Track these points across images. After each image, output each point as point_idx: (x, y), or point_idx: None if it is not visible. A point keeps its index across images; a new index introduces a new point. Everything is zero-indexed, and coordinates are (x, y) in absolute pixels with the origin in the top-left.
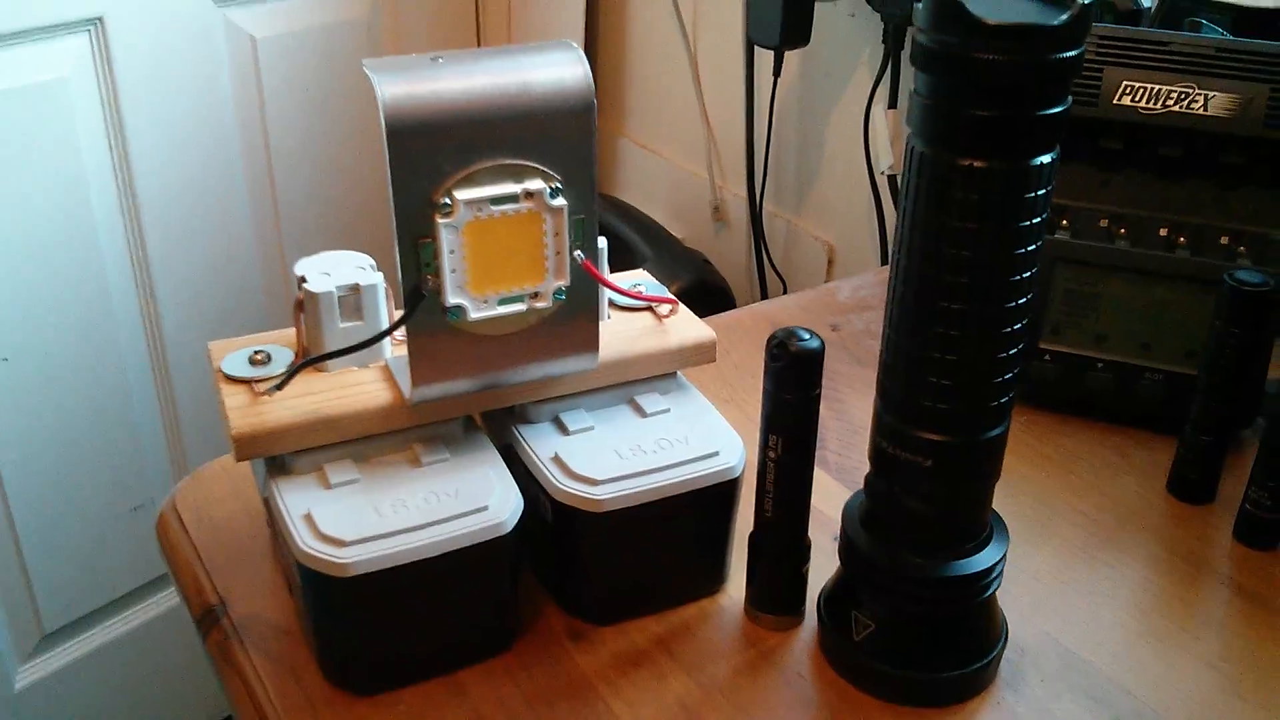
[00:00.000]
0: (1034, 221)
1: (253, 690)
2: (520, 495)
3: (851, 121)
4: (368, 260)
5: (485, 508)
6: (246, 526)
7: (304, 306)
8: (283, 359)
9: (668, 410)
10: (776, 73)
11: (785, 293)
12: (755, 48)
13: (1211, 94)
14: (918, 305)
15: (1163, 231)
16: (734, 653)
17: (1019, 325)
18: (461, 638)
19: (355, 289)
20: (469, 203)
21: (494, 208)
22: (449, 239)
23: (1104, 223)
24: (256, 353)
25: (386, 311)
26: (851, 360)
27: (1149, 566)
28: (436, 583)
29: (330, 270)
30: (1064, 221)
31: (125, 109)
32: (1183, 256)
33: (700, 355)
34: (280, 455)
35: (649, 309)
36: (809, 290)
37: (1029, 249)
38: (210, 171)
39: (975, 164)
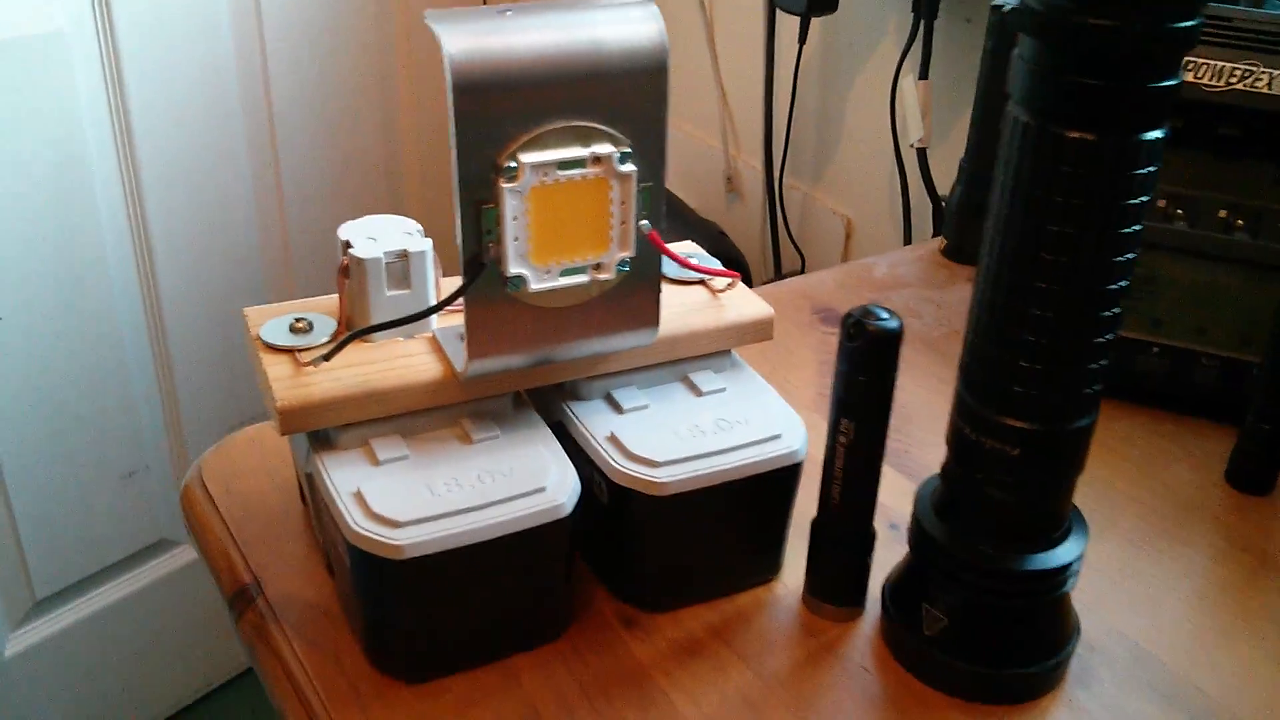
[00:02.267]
0: (1140, 201)
1: (293, 675)
2: (577, 476)
3: (875, 92)
4: (414, 225)
5: (543, 488)
6: (278, 501)
7: (349, 273)
8: (324, 328)
9: (723, 389)
10: (802, 40)
11: (803, 267)
12: (776, 14)
13: (1276, 72)
14: (1011, 285)
15: (1221, 213)
16: (794, 644)
17: (1117, 309)
18: (514, 623)
19: (404, 256)
20: (535, 166)
21: (560, 173)
22: (513, 205)
23: (1161, 203)
24: (298, 320)
25: (434, 280)
26: None
27: (1212, 559)
28: (491, 566)
29: (376, 235)
30: None
31: (125, 63)
32: (1241, 239)
33: (757, 332)
34: (325, 429)
35: (702, 283)
36: (841, 266)
37: (1132, 229)
38: (210, 128)
39: (1082, 136)
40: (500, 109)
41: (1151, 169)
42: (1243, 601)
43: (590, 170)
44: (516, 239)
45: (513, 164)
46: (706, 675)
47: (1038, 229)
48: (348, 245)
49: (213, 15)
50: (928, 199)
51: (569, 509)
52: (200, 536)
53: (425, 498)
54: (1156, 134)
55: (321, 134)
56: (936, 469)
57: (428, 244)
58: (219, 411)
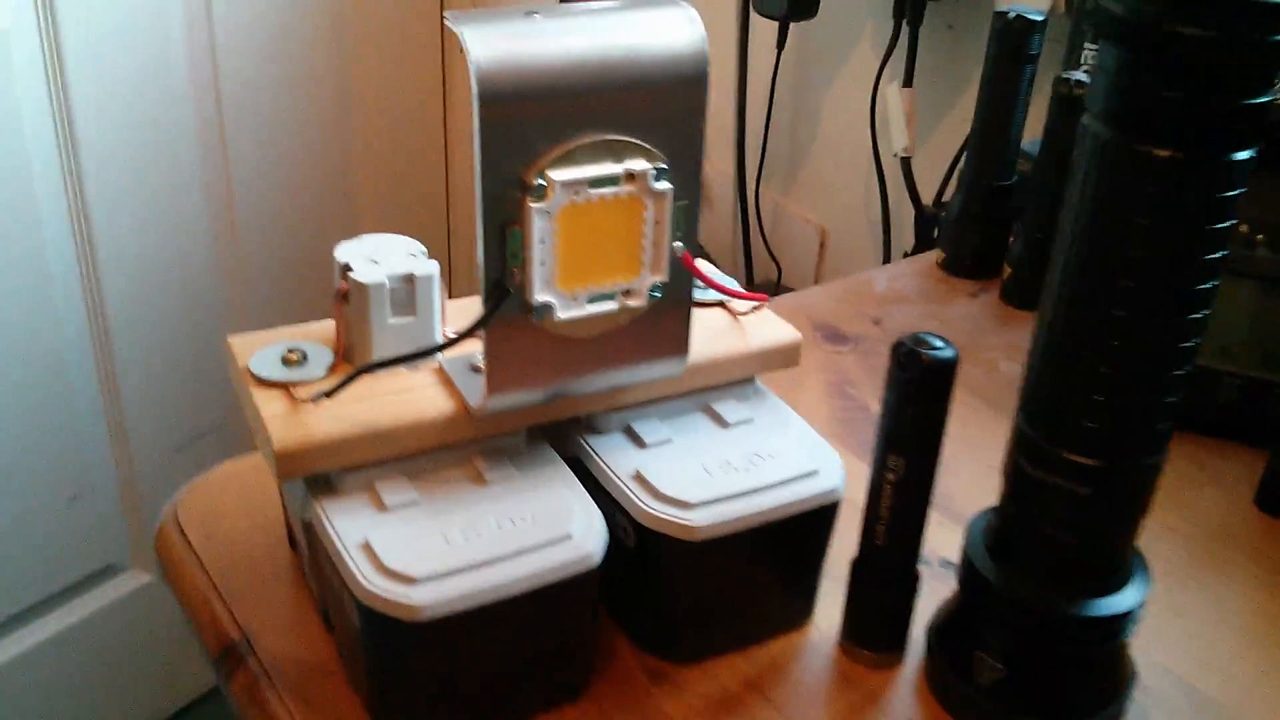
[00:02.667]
0: (1224, 225)
1: None
2: (604, 521)
3: (853, 99)
4: (417, 246)
5: (569, 536)
6: (263, 545)
7: (348, 299)
8: (320, 359)
9: (750, 419)
10: (781, 45)
11: (779, 277)
12: (751, 18)
13: None
14: (1082, 311)
15: (1243, 228)
16: (835, 696)
17: (1195, 339)
18: (534, 681)
19: (409, 280)
20: (566, 185)
21: (591, 191)
22: (540, 226)
23: None
24: (290, 350)
25: (441, 304)
26: None
27: (1255, 589)
28: (513, 622)
29: (377, 257)
30: None
31: (69, 64)
32: (1262, 255)
33: (784, 358)
34: (325, 472)
35: (721, 304)
36: (839, 281)
37: (1216, 255)
38: (159, 133)
39: (1166, 154)
40: (529, 121)
41: (1239, 191)
42: None
43: (624, 189)
44: (543, 263)
45: (541, 181)
46: None
47: (1115, 253)
48: (347, 269)
49: (162, 14)
50: (905, 209)
51: (598, 558)
52: (179, 587)
53: (441, 549)
54: (1247, 154)
55: (274, 139)
56: (961, 498)
57: (434, 266)
58: (168, 429)
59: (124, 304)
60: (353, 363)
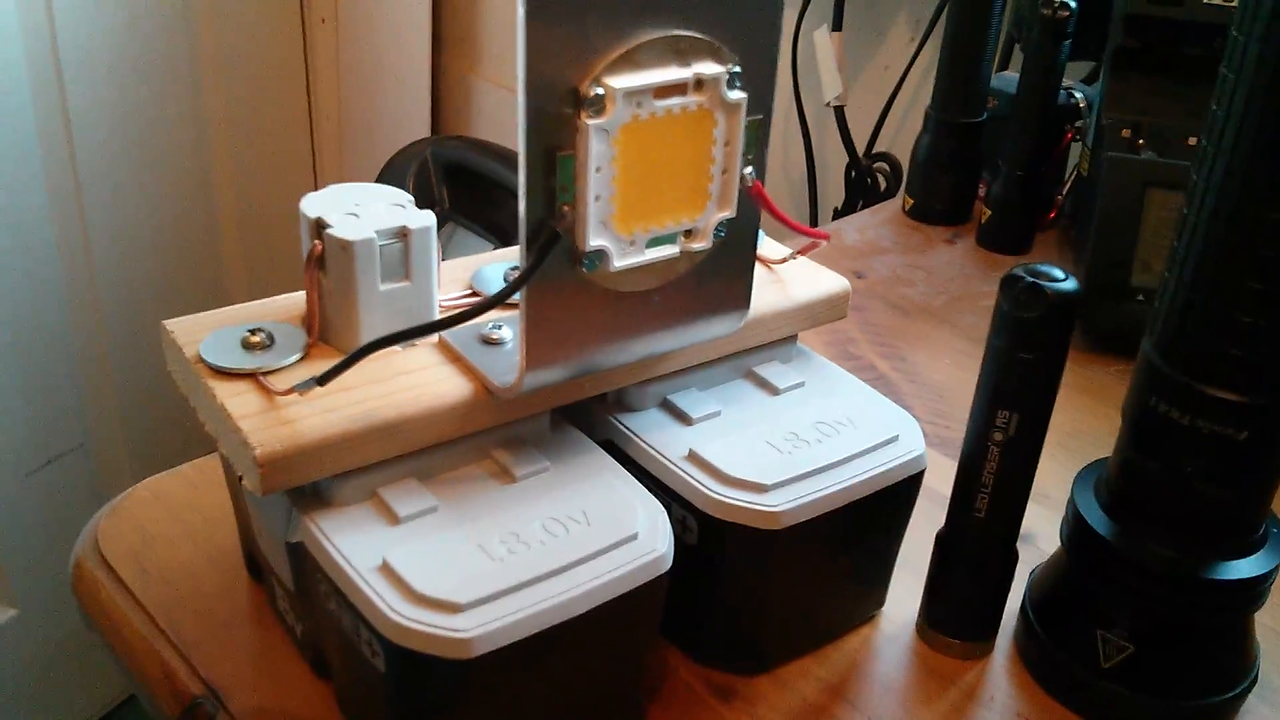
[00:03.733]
0: None
1: None
2: (667, 513)
3: None
4: (403, 195)
5: (635, 535)
6: (211, 578)
7: (324, 263)
8: (291, 341)
9: (802, 384)
10: None
11: None
12: None
13: None
14: (1233, 219)
15: None
16: (930, 696)
17: None
18: (590, 713)
19: (403, 234)
20: (629, 94)
21: (657, 103)
22: (598, 150)
23: (1194, 140)
24: (252, 332)
25: (438, 265)
26: (894, 311)
27: None
28: (574, 645)
29: (356, 209)
30: (1140, 141)
31: None
32: None
33: (832, 311)
34: (314, 481)
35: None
36: None
37: None
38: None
39: None
40: (582, 12)
41: None
42: None
43: (691, 99)
44: (599, 198)
45: (599, 91)
46: None
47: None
48: (321, 225)
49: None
50: (826, 161)
51: (670, 559)
52: (113, 635)
53: (483, 565)
54: None
55: (121, 131)
56: None
57: (430, 218)
58: (20, 454)
59: None
60: (331, 343)
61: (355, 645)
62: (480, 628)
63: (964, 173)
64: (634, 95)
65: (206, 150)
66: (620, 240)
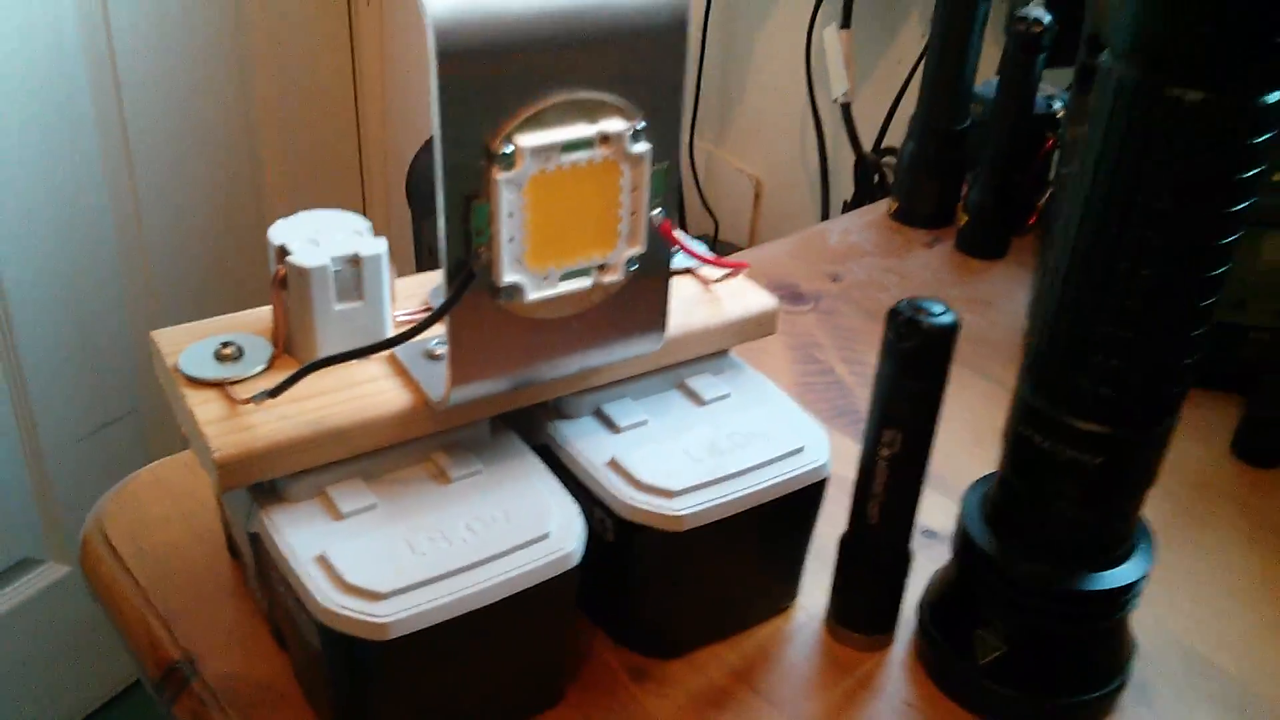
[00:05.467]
0: (1255, 173)
1: None
2: (582, 515)
3: (786, 44)
4: (362, 222)
5: (546, 535)
6: (200, 556)
7: (287, 284)
8: (257, 353)
9: (727, 395)
10: None
11: (716, 232)
12: None
13: None
14: (1096, 268)
15: None
16: (829, 683)
17: (1217, 296)
18: (511, 692)
19: (355, 261)
20: (536, 151)
21: (564, 157)
22: (509, 199)
23: None
24: (224, 345)
25: (390, 288)
26: (864, 315)
27: (1240, 545)
28: (488, 632)
29: (317, 236)
30: None
31: None
32: None
33: (760, 328)
34: (271, 479)
35: (689, 271)
36: (792, 236)
37: (1243, 206)
38: (58, 120)
39: (1194, 96)
40: (494, 80)
41: (1270, 135)
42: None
43: (598, 152)
44: (512, 239)
45: (509, 149)
46: None
47: (1135, 204)
48: (284, 251)
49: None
50: (841, 157)
51: (579, 557)
52: (110, 605)
53: (407, 559)
54: (1277, 95)
55: (172, 111)
56: (940, 462)
57: (382, 245)
58: (76, 420)
59: (25, 293)
60: (295, 355)
61: (298, 624)
62: (397, 614)
63: (947, 178)
64: (542, 152)
65: (254, 129)
66: (534, 275)
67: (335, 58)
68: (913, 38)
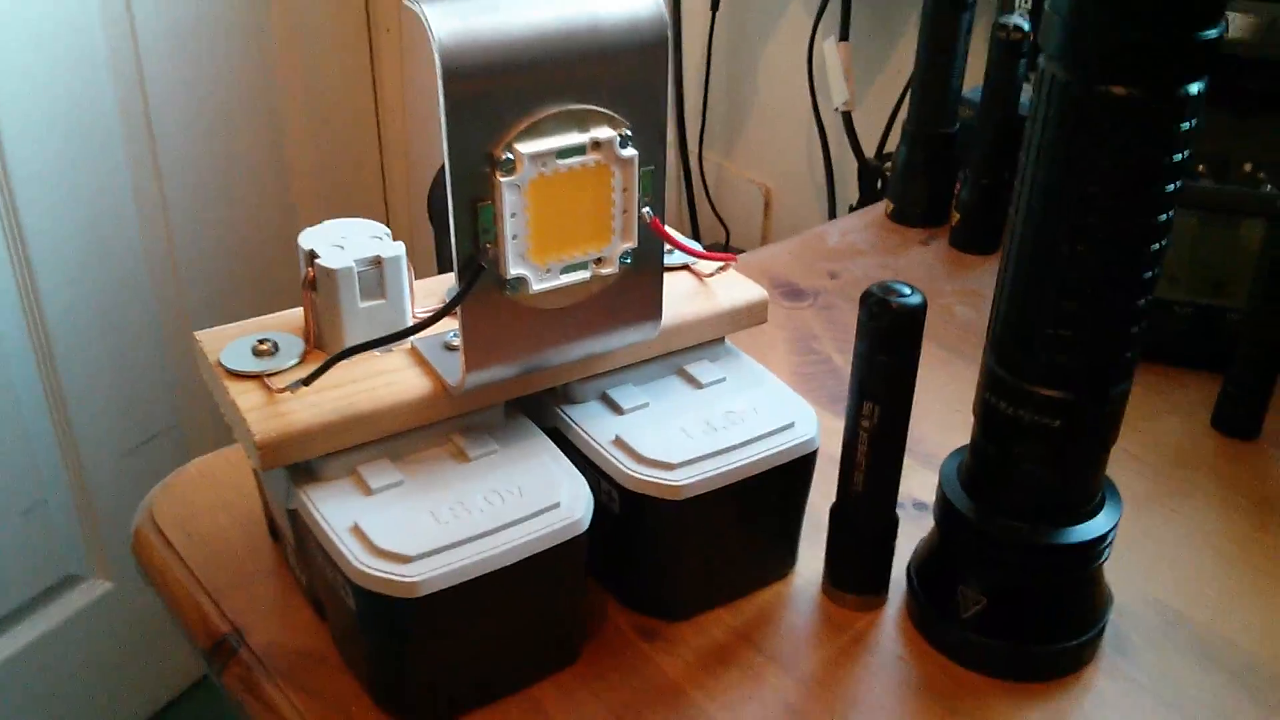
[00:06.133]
0: (1181, 157)
1: None
2: (589, 487)
3: (789, 57)
4: (381, 228)
5: (557, 504)
6: (242, 540)
7: (316, 285)
8: (291, 348)
9: (723, 379)
10: (715, 5)
11: (728, 240)
12: None
13: (1233, 15)
14: (1045, 250)
15: None
16: (824, 640)
17: (1157, 270)
18: (531, 651)
19: (377, 263)
20: (534, 157)
21: (559, 161)
22: (511, 200)
23: None
24: (261, 341)
25: (410, 285)
26: None
27: (1217, 510)
28: (507, 593)
29: (342, 242)
30: None
31: None
32: (1206, 186)
33: (752, 317)
34: (307, 460)
35: (687, 267)
36: (793, 238)
37: (1173, 187)
38: (85, 138)
39: (1120, 91)
40: (494, 95)
41: (1194, 122)
42: (1254, 550)
43: (590, 157)
44: (515, 237)
45: (509, 155)
46: (741, 684)
47: (1076, 192)
48: (313, 255)
49: (82, 16)
50: (847, 163)
51: (586, 524)
52: (162, 587)
53: (431, 527)
54: (1199, 86)
55: (201, 130)
56: (928, 441)
57: (400, 248)
58: (117, 433)
59: (63, 312)
60: (325, 349)
61: (335, 589)
62: (425, 574)
63: (939, 179)
64: (539, 157)
65: (282, 153)
66: (537, 268)
67: (358, 83)
68: (910, 48)
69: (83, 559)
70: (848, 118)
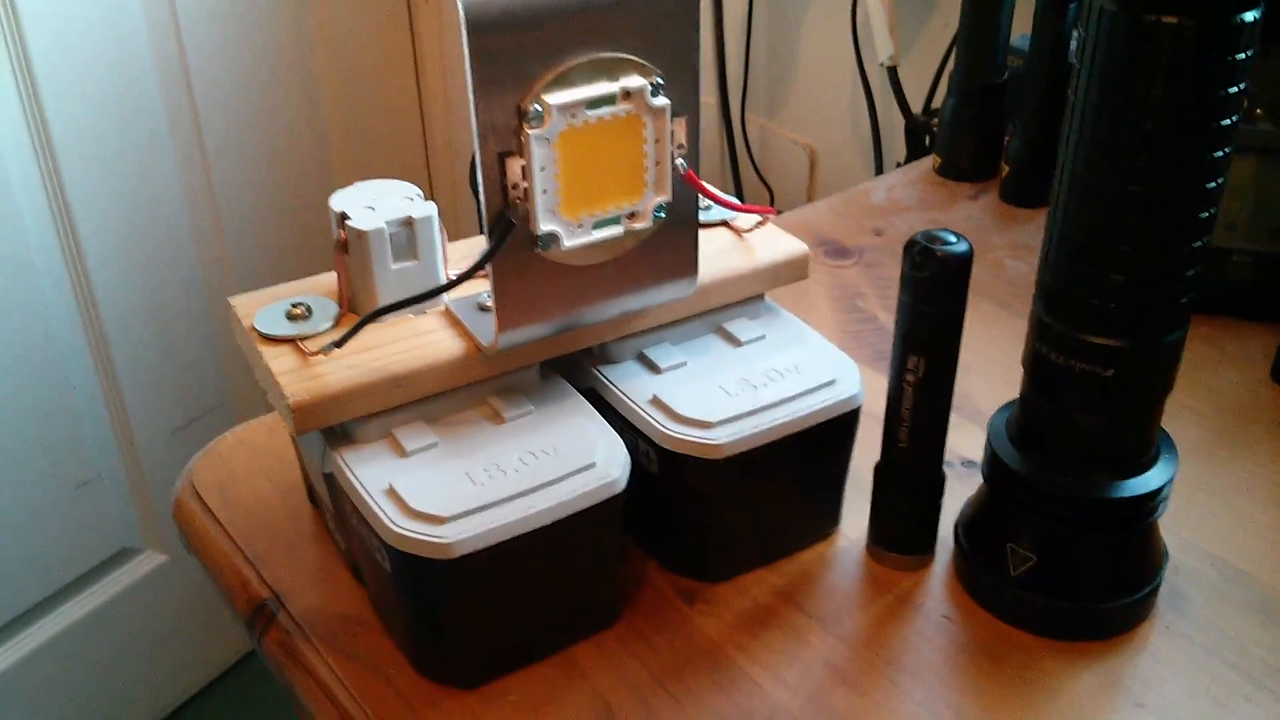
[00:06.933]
0: (1236, 89)
1: (333, 694)
2: (625, 447)
3: (832, 13)
4: (413, 189)
5: (593, 464)
6: (281, 506)
7: (348, 248)
8: (325, 312)
9: (763, 337)
10: None
11: (772, 202)
12: None
13: None
14: (1099, 192)
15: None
16: (869, 601)
17: (1213, 210)
18: (569, 612)
19: (408, 223)
20: (562, 108)
21: (589, 112)
22: (540, 154)
23: None
24: (294, 305)
25: (442, 246)
26: None
27: (1275, 461)
28: (544, 554)
29: (373, 203)
30: None
31: (33, 51)
32: (1264, 128)
33: (793, 272)
34: (341, 423)
35: (725, 223)
36: (836, 195)
37: (1229, 121)
38: (129, 116)
39: (1170, 20)
40: (520, 46)
41: (1251, 53)
42: None
43: (621, 107)
44: (545, 191)
45: (538, 107)
46: (783, 645)
47: (1128, 127)
48: (344, 217)
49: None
50: (893, 121)
51: (623, 483)
52: (203, 553)
53: (467, 488)
54: (1254, 14)
55: (243, 104)
56: (978, 397)
57: (432, 208)
58: (168, 410)
59: (112, 290)
60: (358, 312)
61: (371, 552)
62: (460, 535)
63: (987, 132)
64: (568, 108)
65: (323, 129)
66: (569, 224)
67: (398, 54)
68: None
69: (137, 533)
70: (893, 73)
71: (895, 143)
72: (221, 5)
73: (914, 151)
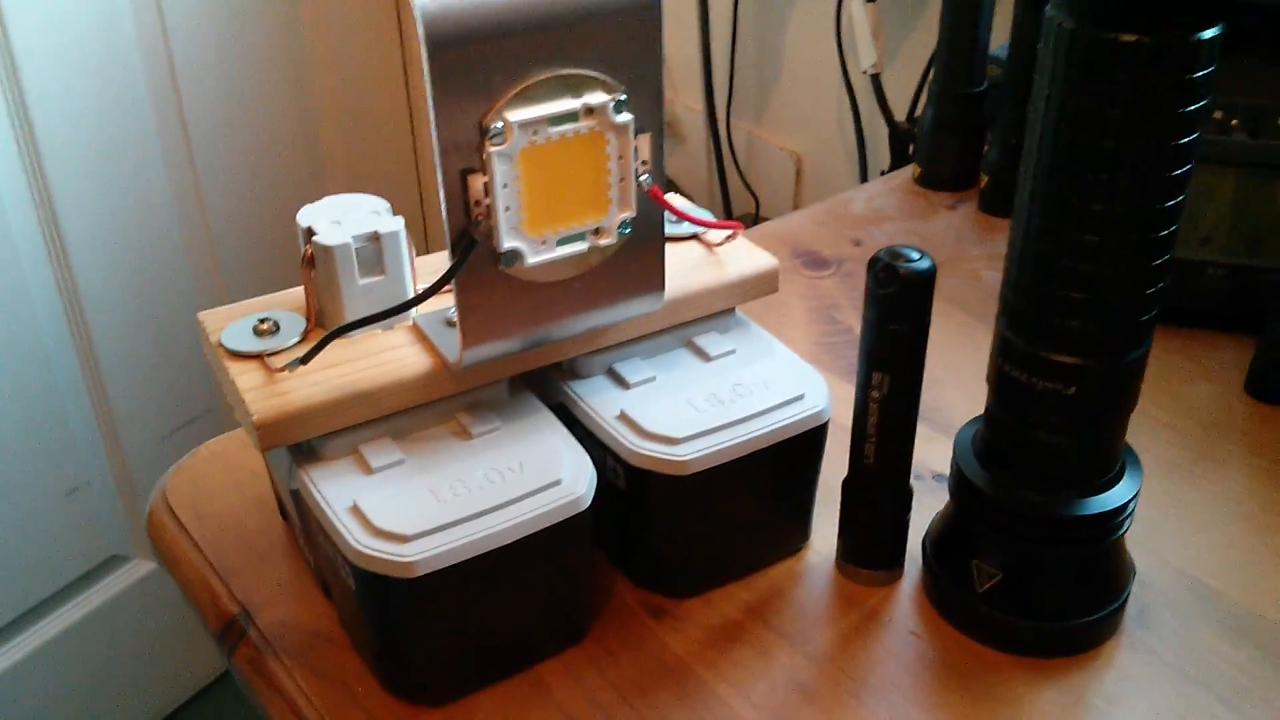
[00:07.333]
0: (1196, 107)
1: (300, 711)
2: (592, 463)
3: (817, 21)
4: (381, 203)
5: (558, 481)
6: (254, 520)
7: (314, 263)
8: (293, 327)
9: (733, 351)
10: None
11: (757, 209)
12: None
13: None
14: (1059, 211)
15: (1217, 114)
16: (836, 617)
17: (1173, 228)
18: (536, 629)
19: (375, 238)
20: (524, 125)
21: (551, 129)
22: (502, 170)
23: None
24: (262, 320)
25: (410, 261)
26: None
27: (1249, 477)
28: (510, 571)
29: (340, 218)
30: None
31: (18, 54)
32: (1239, 140)
33: (762, 286)
34: (308, 440)
35: (695, 237)
36: (817, 205)
37: (1189, 139)
38: (117, 121)
39: (1129, 38)
40: (481, 62)
41: (1210, 70)
42: None
43: (584, 124)
44: (508, 209)
45: (499, 124)
46: (750, 661)
47: (1088, 146)
48: (310, 232)
49: (111, 3)
50: (879, 128)
51: (588, 501)
52: (174, 568)
53: (431, 505)
54: (1213, 32)
55: (233, 110)
56: (950, 410)
57: (399, 223)
58: (156, 417)
59: (99, 296)
60: (326, 328)
61: (337, 569)
62: (422, 554)
63: (967, 141)
64: (530, 125)
65: (312, 134)
66: (532, 241)
67: (388, 64)
68: (938, 8)
69: (127, 540)
70: (877, 80)
71: (880, 150)
72: (210, 15)
73: (898, 159)
